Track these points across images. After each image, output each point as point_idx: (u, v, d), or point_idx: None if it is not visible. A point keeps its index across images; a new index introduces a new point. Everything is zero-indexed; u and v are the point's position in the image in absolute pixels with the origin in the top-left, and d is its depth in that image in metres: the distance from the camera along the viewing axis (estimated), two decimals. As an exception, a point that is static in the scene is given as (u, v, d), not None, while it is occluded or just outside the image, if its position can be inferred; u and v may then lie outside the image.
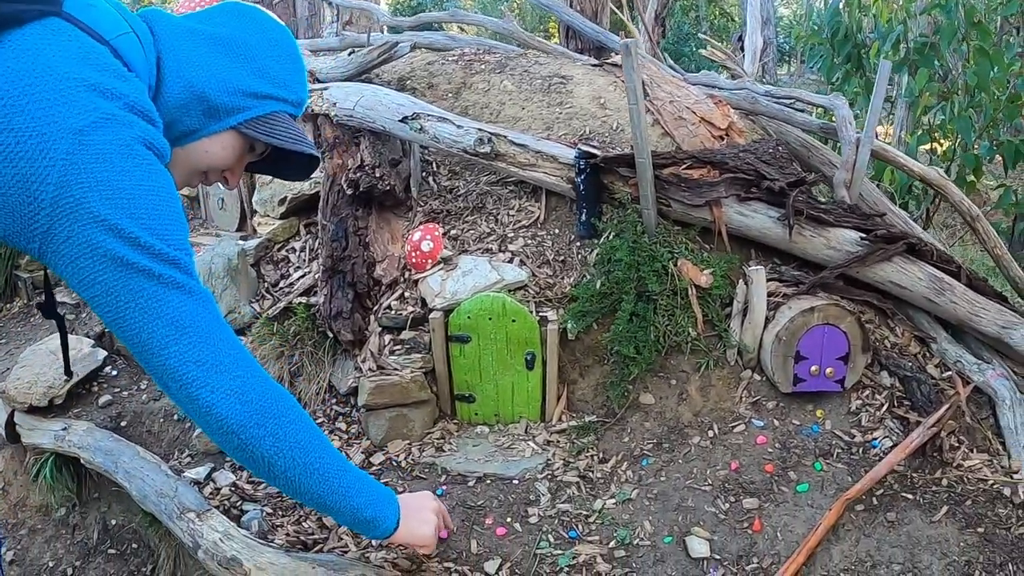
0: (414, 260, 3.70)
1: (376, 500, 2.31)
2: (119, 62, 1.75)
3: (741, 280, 3.61)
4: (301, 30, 8.89)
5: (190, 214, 5.25)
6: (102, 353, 4.28)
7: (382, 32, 6.64)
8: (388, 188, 3.91)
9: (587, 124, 4.23)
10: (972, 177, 5.93)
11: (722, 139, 3.93)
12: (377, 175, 3.90)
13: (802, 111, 4.32)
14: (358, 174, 3.91)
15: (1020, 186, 6.15)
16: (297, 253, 4.27)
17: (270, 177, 4.37)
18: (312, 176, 4.27)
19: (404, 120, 3.92)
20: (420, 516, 2.50)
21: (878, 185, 5.66)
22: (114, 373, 4.31)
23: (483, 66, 4.84)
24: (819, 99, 4.30)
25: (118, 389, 4.18)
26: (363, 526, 2.34)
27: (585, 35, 5.52)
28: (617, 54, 5.03)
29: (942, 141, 6.12)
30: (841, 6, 6.12)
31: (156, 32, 1.91)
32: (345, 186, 3.91)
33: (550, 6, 5.66)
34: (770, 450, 3.32)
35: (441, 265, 3.68)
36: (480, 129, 3.77)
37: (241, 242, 4.29)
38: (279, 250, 4.35)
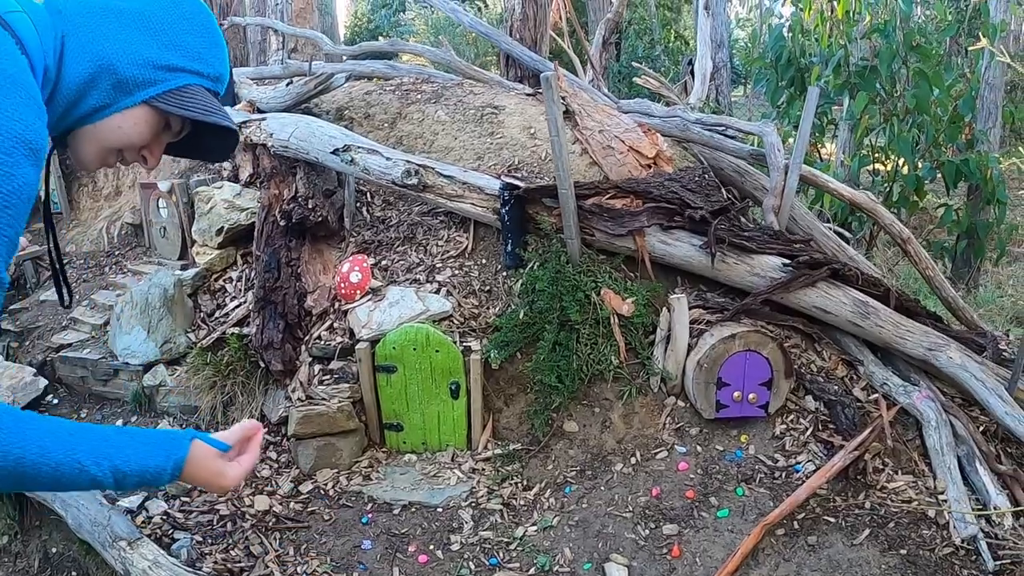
0: (343, 291, 3.75)
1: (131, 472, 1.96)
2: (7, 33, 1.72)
3: (665, 308, 3.66)
4: (252, 55, 8.91)
5: (134, 242, 5.28)
6: (43, 382, 4.31)
7: (342, 60, 6.67)
8: (321, 219, 3.96)
9: (517, 154, 4.30)
10: (915, 197, 6.02)
11: (650, 167, 3.99)
12: (310, 206, 3.95)
13: (733, 138, 4.38)
14: (291, 205, 3.96)
15: (962, 205, 6.23)
16: (234, 283, 4.30)
17: (208, 206, 4.39)
18: (250, 208, 4.32)
19: (336, 152, 3.98)
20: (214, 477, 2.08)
21: (821, 209, 5.74)
22: (55, 402, 4.34)
23: (419, 96, 4.90)
24: (749, 126, 4.36)
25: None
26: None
27: (524, 64, 5.59)
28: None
29: (885, 162, 6.21)
30: (785, 30, 6.21)
31: (63, 10, 1.91)
32: (279, 217, 3.96)
33: (490, 35, 5.71)
34: (692, 476, 3.37)
35: (370, 296, 3.73)
36: (408, 161, 3.83)
37: (179, 272, 4.32)
38: (216, 280, 4.38)
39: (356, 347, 3.54)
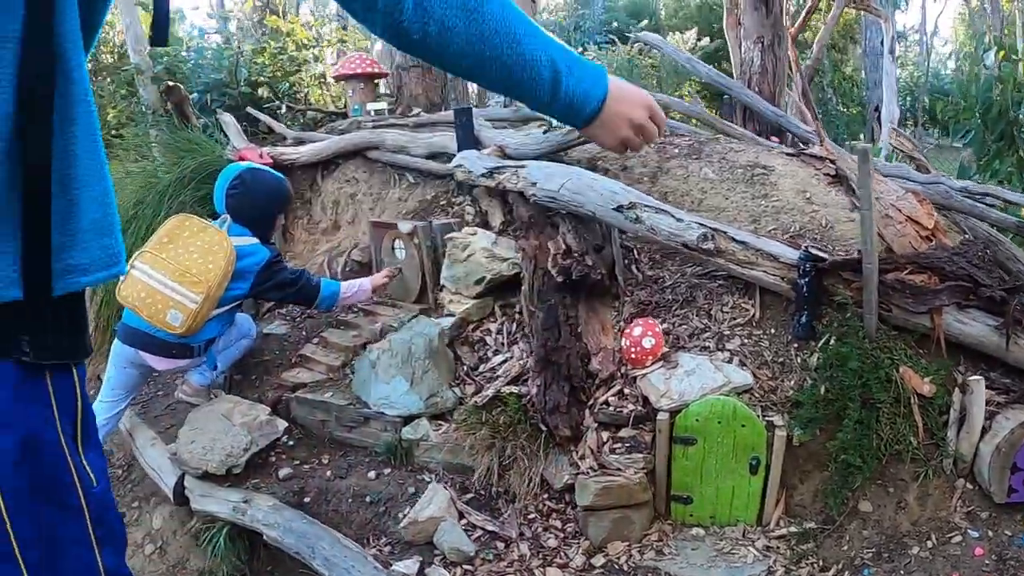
0: (633, 355, 3.68)
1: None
2: None
3: (956, 388, 3.58)
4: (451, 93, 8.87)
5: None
6: (282, 424, 4.21)
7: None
8: (599, 277, 3.89)
9: (796, 220, 4.21)
10: None
11: (929, 239, 3.89)
12: (589, 263, 3.88)
13: (993, 206, 4.29)
14: (567, 260, 3.89)
15: None
16: (493, 336, 4.23)
17: (465, 253, 4.31)
18: (511, 258, 4.26)
19: (619, 209, 3.90)
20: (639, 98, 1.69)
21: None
22: (291, 443, 4.26)
23: (676, 150, 4.82)
24: (1015, 196, 4.27)
25: (297, 462, 4.12)
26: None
27: (765, 118, 5.49)
28: (808, 144, 5.00)
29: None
30: (995, 82, 6.05)
31: None
32: (554, 273, 3.89)
33: (731, 86, 5.64)
34: (987, 562, 3.28)
35: (661, 362, 3.66)
36: (701, 224, 3.75)
37: (437, 321, 4.26)
38: (474, 331, 4.31)
39: (656, 417, 3.47)
